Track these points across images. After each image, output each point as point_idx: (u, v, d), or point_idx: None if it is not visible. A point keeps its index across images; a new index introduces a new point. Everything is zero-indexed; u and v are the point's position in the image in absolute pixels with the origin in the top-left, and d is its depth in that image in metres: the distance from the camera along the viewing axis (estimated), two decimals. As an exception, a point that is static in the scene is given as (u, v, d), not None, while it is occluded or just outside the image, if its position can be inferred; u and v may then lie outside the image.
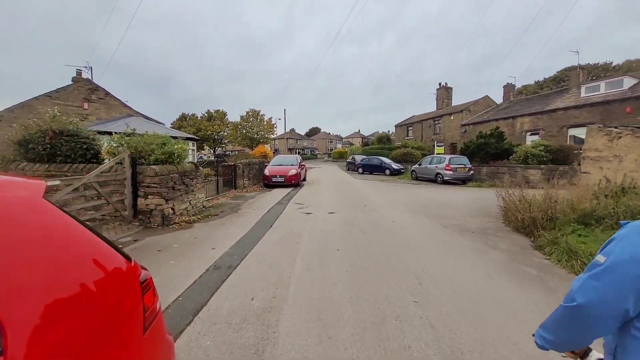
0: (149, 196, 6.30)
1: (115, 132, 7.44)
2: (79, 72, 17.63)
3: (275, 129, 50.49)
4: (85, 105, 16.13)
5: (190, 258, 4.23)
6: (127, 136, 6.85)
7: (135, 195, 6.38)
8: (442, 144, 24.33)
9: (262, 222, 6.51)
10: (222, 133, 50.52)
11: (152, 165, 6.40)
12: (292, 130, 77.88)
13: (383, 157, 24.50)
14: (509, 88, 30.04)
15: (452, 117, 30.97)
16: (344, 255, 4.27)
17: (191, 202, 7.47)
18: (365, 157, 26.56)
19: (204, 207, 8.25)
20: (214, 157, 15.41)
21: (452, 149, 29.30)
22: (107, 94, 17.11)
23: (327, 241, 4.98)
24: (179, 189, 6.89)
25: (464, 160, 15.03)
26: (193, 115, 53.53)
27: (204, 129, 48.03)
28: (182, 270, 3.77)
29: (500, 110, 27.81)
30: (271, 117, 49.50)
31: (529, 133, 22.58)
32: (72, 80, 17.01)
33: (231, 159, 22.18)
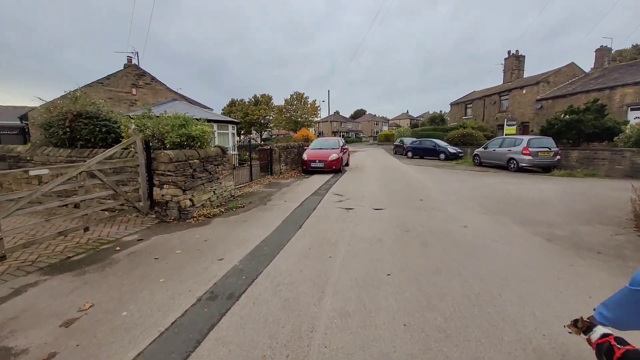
0: (164, 186, 5.47)
1: (131, 115, 6.75)
2: (129, 59, 18.07)
3: (319, 112, 49.28)
4: (134, 91, 16.47)
5: (186, 275, 3.16)
6: (144, 118, 6.07)
7: (151, 185, 5.61)
8: (514, 122, 20.50)
9: (290, 220, 5.29)
10: (267, 117, 51.01)
11: (167, 150, 5.52)
12: (337, 112, 75.72)
13: (437, 139, 21.70)
14: (603, 52, 24.19)
15: (524, 91, 26.24)
16: (399, 290, 2.80)
17: (216, 192, 6.57)
18: (415, 139, 23.91)
19: (232, 196, 7.36)
20: (248, 142, 14.69)
21: (523, 128, 24.92)
22: (153, 79, 17.29)
23: (373, 258, 3.54)
24: (200, 177, 5.98)
25: (549, 142, 11.98)
26: (241, 100, 54.74)
27: (251, 114, 48.95)
28: (167, 298, 2.70)
29: (592, 80, 22.54)
30: (315, 100, 48.25)
31: (632, 108, 17.82)
32: (124, 67, 17.52)
33: (274, 143, 21.57)
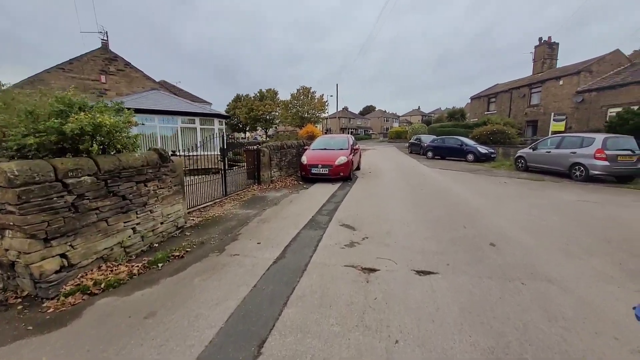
0: (6, 232, 2.78)
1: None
2: (104, 43, 15.47)
3: (326, 107, 46.38)
4: (103, 79, 13.92)
5: None
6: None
7: (-11, 226, 2.94)
8: (563, 117, 17.17)
9: (248, 313, 2.51)
10: (273, 113, 48.57)
11: (15, 159, 2.80)
12: (345, 108, 72.47)
13: (461, 136, 18.64)
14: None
15: (561, 82, 22.83)
16: None
17: (138, 229, 3.85)
18: (436, 137, 20.84)
19: (178, 228, 4.66)
20: (222, 139, 11.77)
21: (560, 125, 21.59)
22: (127, 64, 14.69)
23: None
24: (95, 209, 3.26)
25: (630, 142, 8.89)
26: (246, 95, 52.36)
27: (256, 109, 46.65)
28: None
29: (647, 67, 19.04)
30: (322, 95, 45.29)
31: None
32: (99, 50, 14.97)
33: (274, 140, 18.91)
